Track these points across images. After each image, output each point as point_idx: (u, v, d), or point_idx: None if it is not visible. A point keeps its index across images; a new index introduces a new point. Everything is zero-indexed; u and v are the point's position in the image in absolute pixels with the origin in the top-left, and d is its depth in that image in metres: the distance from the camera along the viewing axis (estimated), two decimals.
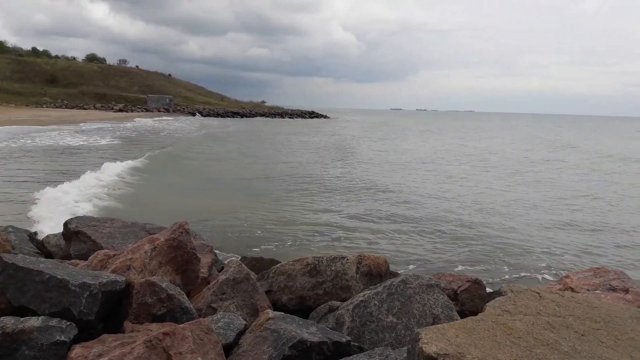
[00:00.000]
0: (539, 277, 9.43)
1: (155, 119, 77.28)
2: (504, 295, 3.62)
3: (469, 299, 6.55)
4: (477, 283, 6.57)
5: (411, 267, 9.98)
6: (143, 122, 66.25)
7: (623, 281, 4.58)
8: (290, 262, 5.41)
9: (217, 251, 7.43)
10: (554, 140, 55.33)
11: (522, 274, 9.65)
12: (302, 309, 5.19)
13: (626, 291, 4.44)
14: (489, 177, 23.97)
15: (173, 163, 25.47)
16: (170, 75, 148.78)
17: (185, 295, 4.30)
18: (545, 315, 3.26)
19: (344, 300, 5.11)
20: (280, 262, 5.97)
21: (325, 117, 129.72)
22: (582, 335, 3.04)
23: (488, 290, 6.38)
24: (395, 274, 6.83)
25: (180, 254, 5.04)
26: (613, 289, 4.46)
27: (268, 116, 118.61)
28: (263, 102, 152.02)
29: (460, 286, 6.63)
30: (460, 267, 9.98)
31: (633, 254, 11.45)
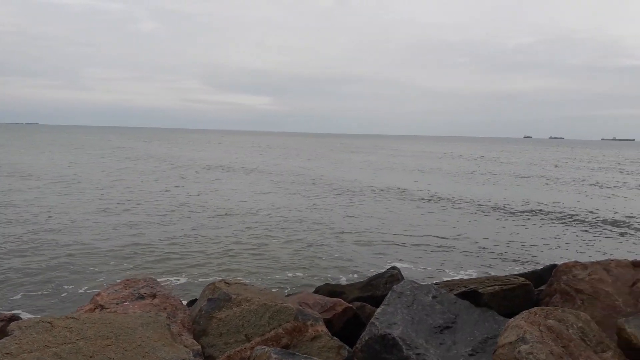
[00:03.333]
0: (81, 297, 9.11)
1: None
2: (9, 335, 3.11)
3: None
4: (12, 320, 5.76)
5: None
6: None
7: (152, 287, 4.77)
8: None
9: None
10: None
11: (64, 295, 9.20)
12: None
13: (154, 296, 4.63)
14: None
15: None
16: None
17: None
18: (54, 346, 2.95)
19: None
20: None
21: None
22: (91, 357, 2.88)
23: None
24: None
25: None
26: (142, 297, 4.58)
27: None
28: None
29: None
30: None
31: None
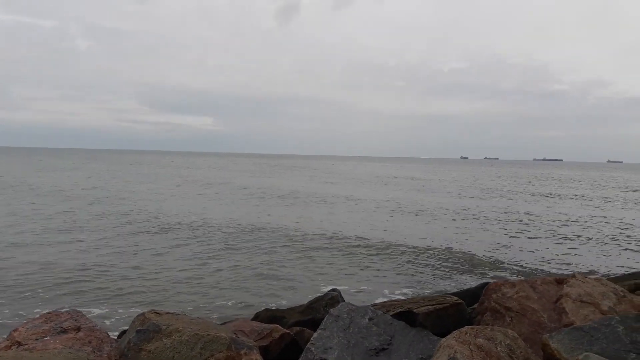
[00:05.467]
0: None
1: None
2: None
3: None
4: None
5: None
6: None
7: (76, 320, 4.53)
8: None
9: None
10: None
11: None
12: None
13: (78, 330, 4.40)
14: None
15: None
16: None
17: None
18: None
19: None
20: None
21: None
22: None
23: None
24: None
25: None
26: (64, 331, 4.33)
27: None
28: None
29: None
30: None
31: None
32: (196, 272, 13.26)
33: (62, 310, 4.73)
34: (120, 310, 9.92)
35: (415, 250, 16.80)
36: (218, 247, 16.73)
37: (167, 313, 5.04)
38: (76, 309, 4.97)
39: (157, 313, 4.97)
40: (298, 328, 6.75)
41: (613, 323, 4.65)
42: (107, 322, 8.95)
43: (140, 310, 7.83)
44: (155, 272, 13.10)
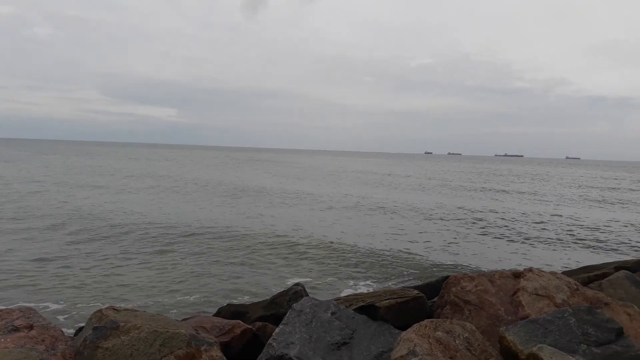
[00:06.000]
0: None
1: None
2: None
3: None
4: None
5: None
6: None
7: (28, 318, 4.37)
8: None
9: None
10: None
11: None
12: None
13: (30, 328, 4.25)
14: None
15: None
16: None
17: None
18: None
19: None
20: None
21: None
22: None
23: None
24: None
25: None
26: (16, 329, 4.18)
27: None
28: None
29: None
30: None
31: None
32: (157, 267, 13.03)
33: (14, 308, 4.56)
34: (78, 306, 9.63)
35: (377, 245, 16.97)
36: (179, 242, 16.47)
37: (126, 309, 4.93)
38: (29, 305, 4.80)
39: (115, 309, 4.85)
40: (261, 323, 6.70)
41: (566, 315, 4.81)
42: (63, 319, 8.67)
43: (99, 305, 7.64)
44: (115, 267, 12.81)
